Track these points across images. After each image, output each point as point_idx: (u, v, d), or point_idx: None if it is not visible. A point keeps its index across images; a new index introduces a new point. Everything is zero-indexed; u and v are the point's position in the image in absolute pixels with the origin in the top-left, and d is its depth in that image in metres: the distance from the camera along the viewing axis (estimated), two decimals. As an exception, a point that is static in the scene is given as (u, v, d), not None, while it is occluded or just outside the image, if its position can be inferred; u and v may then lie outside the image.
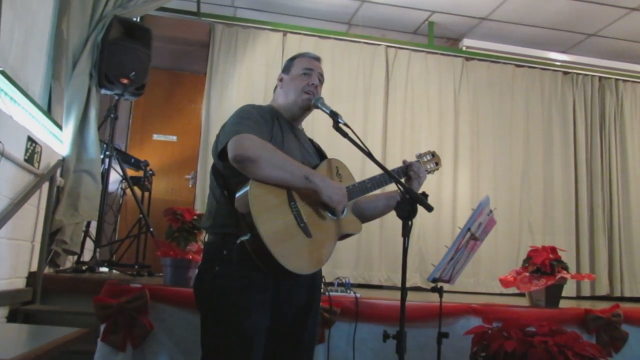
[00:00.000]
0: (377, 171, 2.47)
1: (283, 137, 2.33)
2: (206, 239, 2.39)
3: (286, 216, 2.15)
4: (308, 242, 2.19)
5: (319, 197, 2.21)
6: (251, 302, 2.15)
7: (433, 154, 2.84)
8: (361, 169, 5.38)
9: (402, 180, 2.60)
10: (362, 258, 6.16)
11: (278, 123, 2.37)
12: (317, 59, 2.57)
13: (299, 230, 2.16)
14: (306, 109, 2.47)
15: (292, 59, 2.56)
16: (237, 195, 2.13)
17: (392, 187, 2.57)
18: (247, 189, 2.08)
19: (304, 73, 2.47)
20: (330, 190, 2.21)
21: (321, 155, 2.60)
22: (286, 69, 2.54)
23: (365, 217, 2.58)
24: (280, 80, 2.54)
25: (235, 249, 2.09)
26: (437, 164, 2.84)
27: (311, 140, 2.64)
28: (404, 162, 2.63)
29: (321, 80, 2.52)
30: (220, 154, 2.21)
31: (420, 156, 2.79)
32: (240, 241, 2.07)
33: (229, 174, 2.23)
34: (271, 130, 2.29)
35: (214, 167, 2.35)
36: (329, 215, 2.31)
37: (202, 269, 2.30)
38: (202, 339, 2.22)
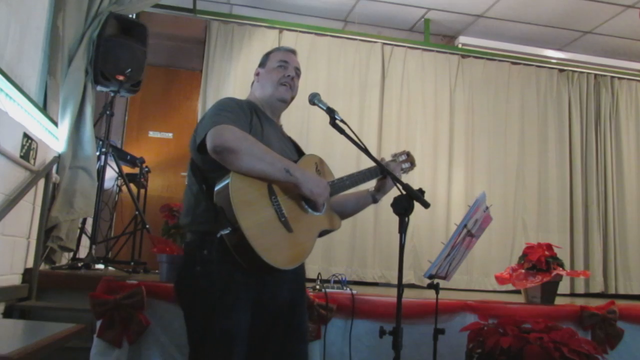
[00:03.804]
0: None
1: (262, 129, 2.30)
2: (186, 238, 2.32)
3: (267, 210, 2.10)
4: (289, 237, 2.14)
5: (299, 190, 2.18)
6: (232, 302, 2.11)
7: (408, 154, 2.82)
8: (356, 166, 5.37)
9: (377, 179, 2.61)
10: (356, 255, 6.14)
11: (257, 115, 2.33)
12: (293, 52, 2.57)
13: (280, 225, 2.12)
14: (283, 100, 2.46)
15: (268, 54, 2.56)
16: (217, 188, 2.07)
17: (365, 185, 2.58)
18: (227, 181, 2.03)
19: (280, 66, 2.46)
20: (310, 184, 2.18)
21: (299, 152, 2.57)
22: (262, 63, 2.54)
23: None
24: (257, 74, 2.53)
25: (215, 246, 2.05)
26: (412, 163, 2.82)
27: (289, 138, 2.62)
28: (382, 159, 2.63)
29: (297, 74, 2.52)
30: (200, 146, 2.15)
31: (395, 156, 2.78)
32: (220, 235, 2.02)
33: (207, 168, 2.18)
34: (250, 122, 2.25)
35: (192, 162, 2.30)
36: (310, 210, 2.27)
37: (183, 269, 2.26)
38: (188, 337, 2.19)
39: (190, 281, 2.17)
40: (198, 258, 2.12)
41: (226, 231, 2.01)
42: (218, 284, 2.09)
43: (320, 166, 2.47)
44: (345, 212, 2.59)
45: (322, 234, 2.38)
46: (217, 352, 2.09)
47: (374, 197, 2.64)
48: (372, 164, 2.53)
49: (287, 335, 2.29)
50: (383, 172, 2.55)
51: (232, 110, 2.21)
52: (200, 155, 2.19)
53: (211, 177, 2.15)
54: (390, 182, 2.56)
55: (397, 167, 2.67)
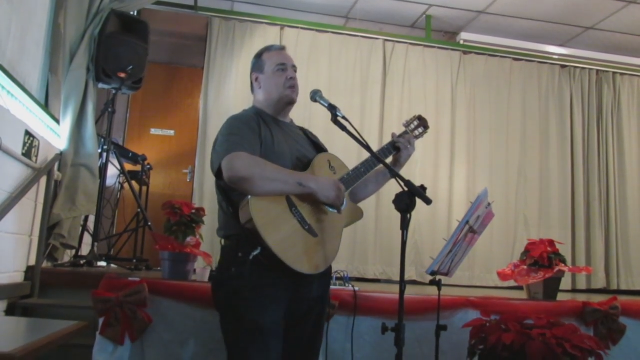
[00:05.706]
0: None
1: (273, 139, 2.38)
2: (222, 243, 2.45)
3: (290, 222, 2.21)
4: (316, 242, 2.26)
5: (316, 199, 2.27)
6: (265, 301, 2.22)
7: (419, 118, 2.82)
8: (358, 162, 5.35)
9: (392, 154, 2.65)
10: (357, 252, 6.15)
11: (265, 125, 2.40)
12: (284, 49, 2.61)
13: (305, 233, 2.23)
14: (292, 102, 2.53)
15: (260, 56, 2.59)
16: (240, 211, 2.19)
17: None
18: (248, 204, 2.13)
19: (279, 69, 2.50)
20: (325, 191, 2.27)
21: (314, 144, 2.63)
22: (258, 67, 2.56)
23: (358, 200, 2.66)
24: (257, 80, 2.56)
25: (249, 260, 2.15)
26: (425, 127, 2.83)
27: (303, 130, 2.68)
28: (393, 135, 2.67)
29: (295, 70, 2.56)
30: (218, 173, 2.28)
31: (407, 124, 2.79)
32: (253, 256, 2.14)
33: (229, 188, 2.29)
34: (260, 136, 2.34)
35: (216, 182, 2.40)
36: (330, 210, 2.36)
37: (220, 270, 2.39)
38: (224, 336, 2.31)
39: (225, 281, 2.30)
40: (233, 260, 2.23)
41: (257, 251, 2.14)
42: (251, 285, 2.20)
43: (333, 163, 2.53)
44: (368, 193, 2.71)
45: (347, 226, 2.50)
46: (252, 350, 2.20)
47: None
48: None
49: (307, 325, 2.42)
50: (395, 147, 2.63)
51: (239, 133, 2.31)
52: (220, 180, 2.32)
53: (234, 196, 2.29)
54: (405, 153, 2.63)
55: (410, 139, 2.68)
